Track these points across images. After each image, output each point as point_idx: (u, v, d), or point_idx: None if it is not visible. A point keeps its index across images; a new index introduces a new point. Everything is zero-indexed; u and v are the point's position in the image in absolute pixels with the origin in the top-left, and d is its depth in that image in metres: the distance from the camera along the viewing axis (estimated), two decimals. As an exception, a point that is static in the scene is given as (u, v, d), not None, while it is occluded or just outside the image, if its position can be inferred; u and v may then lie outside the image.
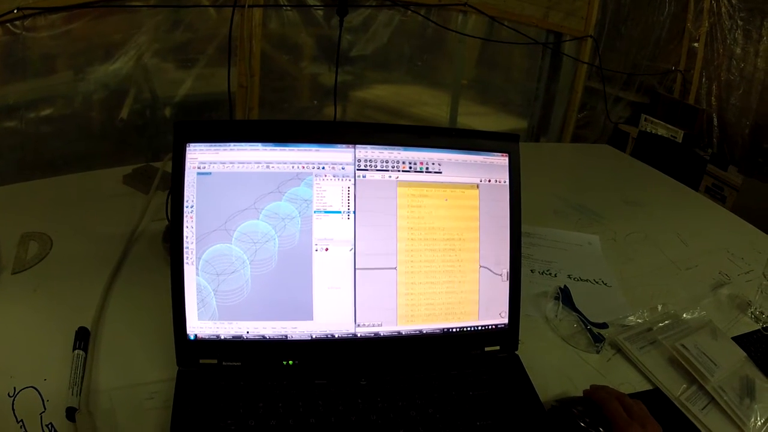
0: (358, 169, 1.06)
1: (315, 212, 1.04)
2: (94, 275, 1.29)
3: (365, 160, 1.06)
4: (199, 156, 1.01)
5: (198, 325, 1.02)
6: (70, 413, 0.93)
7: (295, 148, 1.04)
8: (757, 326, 1.46)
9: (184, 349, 1.03)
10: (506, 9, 3.44)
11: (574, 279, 1.54)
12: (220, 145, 1.02)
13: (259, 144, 1.03)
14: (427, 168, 1.09)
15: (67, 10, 2.33)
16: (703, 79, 4.60)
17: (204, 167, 1.01)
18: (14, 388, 0.98)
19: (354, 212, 1.06)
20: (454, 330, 1.13)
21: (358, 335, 1.08)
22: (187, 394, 0.98)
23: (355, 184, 1.06)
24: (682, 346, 1.25)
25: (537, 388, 1.11)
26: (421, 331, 1.11)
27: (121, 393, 1.01)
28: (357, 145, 1.06)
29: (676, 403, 1.16)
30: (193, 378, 1.01)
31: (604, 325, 1.34)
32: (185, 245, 1.00)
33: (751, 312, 1.50)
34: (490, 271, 1.14)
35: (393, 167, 1.07)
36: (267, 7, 2.80)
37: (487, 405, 1.04)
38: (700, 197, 2.49)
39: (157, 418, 0.96)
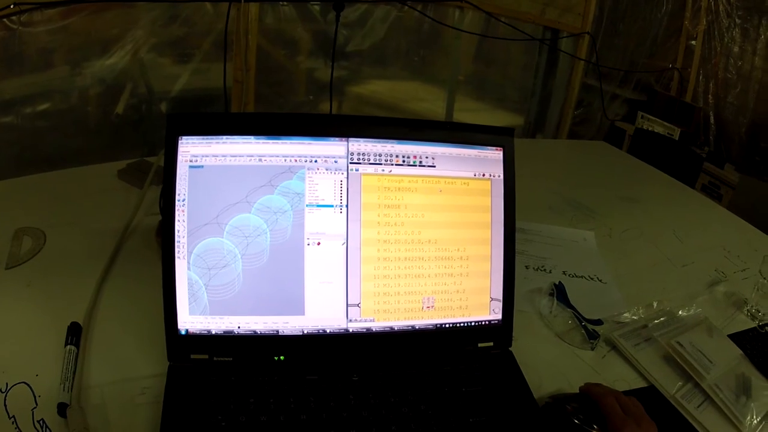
0: (351, 163, 1.05)
1: (307, 206, 1.04)
2: (87, 270, 1.29)
3: (358, 154, 1.06)
4: (191, 149, 1.00)
5: (189, 320, 1.02)
6: (62, 409, 0.93)
7: (288, 141, 1.03)
8: (753, 324, 1.46)
9: (175, 345, 1.02)
10: (503, 5, 3.44)
11: (568, 275, 1.54)
12: (212, 138, 1.01)
13: (252, 137, 1.02)
14: (420, 162, 1.08)
15: (64, 5, 2.33)
16: (700, 77, 4.61)
17: (196, 160, 1.00)
18: (6, 384, 0.98)
19: (347, 206, 1.05)
20: (447, 326, 1.12)
21: (350, 330, 1.07)
22: (178, 390, 0.97)
23: (348, 178, 1.05)
24: (678, 343, 1.24)
25: (531, 384, 1.10)
26: (413, 326, 1.10)
27: (112, 388, 1.01)
28: (350, 139, 1.05)
29: (671, 401, 1.16)
30: (184, 373, 1.00)
31: (598, 322, 1.33)
32: (177, 239, 1.00)
33: (747, 310, 1.50)
34: (483, 266, 1.13)
35: (386, 161, 1.07)
36: (263, 2, 2.79)
37: (480, 401, 1.04)
38: (697, 194, 2.50)
39: (149, 414, 0.96)
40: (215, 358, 1.03)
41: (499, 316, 1.15)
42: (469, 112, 3.86)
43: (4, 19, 2.22)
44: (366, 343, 1.08)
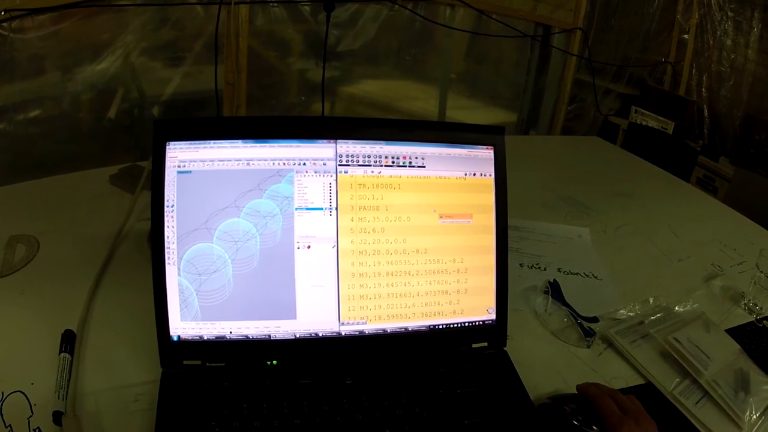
0: (339, 165, 1.05)
1: (296, 209, 1.03)
2: (80, 277, 1.29)
3: (347, 156, 1.05)
4: (179, 154, 1.00)
5: (181, 326, 1.01)
6: (57, 417, 0.93)
7: (276, 145, 1.03)
8: (751, 318, 1.45)
9: (168, 351, 1.02)
10: (494, 2, 3.44)
11: (563, 272, 1.53)
12: (200, 143, 1.01)
13: (240, 141, 1.01)
14: (410, 162, 1.08)
15: (55, 11, 2.33)
16: (694, 71, 4.63)
17: (184, 165, 1.00)
18: (2, 393, 0.98)
19: (336, 209, 1.04)
20: (441, 327, 1.11)
21: (343, 333, 1.07)
22: (171, 396, 0.97)
23: (336, 180, 1.05)
24: (675, 339, 1.24)
25: (526, 384, 1.10)
26: (406, 328, 1.09)
27: (107, 395, 1.01)
28: (338, 140, 1.05)
29: (669, 398, 1.15)
30: (177, 379, 1.00)
31: (594, 319, 1.33)
32: (166, 245, 0.99)
33: (745, 304, 1.50)
34: (477, 266, 1.13)
35: (375, 162, 1.06)
36: (254, 4, 2.79)
37: (475, 403, 1.03)
38: (692, 189, 2.49)
39: (143, 420, 0.96)
40: (208, 364, 1.03)
41: (493, 316, 1.14)
42: (462, 110, 3.87)
43: (-4, 27, 2.22)
44: (359, 346, 1.08)
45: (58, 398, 0.96)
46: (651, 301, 1.43)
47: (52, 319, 1.15)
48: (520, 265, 1.54)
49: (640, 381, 1.20)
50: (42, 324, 1.14)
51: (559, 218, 1.84)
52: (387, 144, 1.07)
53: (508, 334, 1.16)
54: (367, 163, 1.06)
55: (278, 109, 3.20)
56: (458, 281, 1.11)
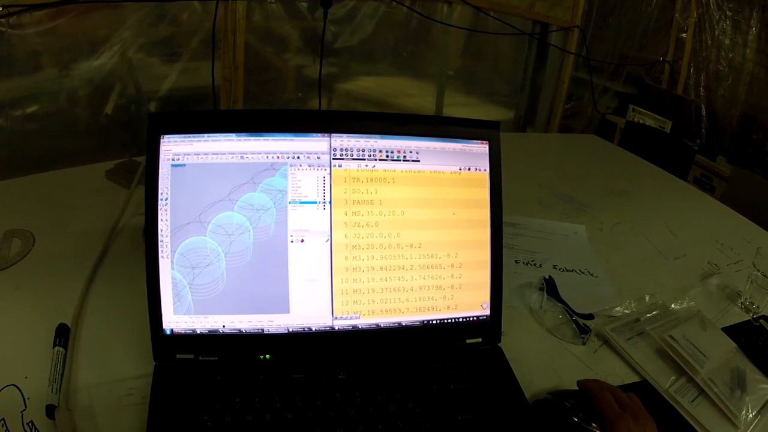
0: (333, 158, 1.05)
1: (290, 203, 1.03)
2: (75, 271, 1.29)
3: (341, 149, 1.05)
4: (173, 148, 1.00)
5: (174, 320, 1.01)
6: (50, 411, 0.93)
7: (270, 138, 1.03)
8: (748, 316, 1.46)
9: (161, 345, 1.02)
10: (491, -1, 3.45)
11: (559, 269, 1.54)
12: (194, 137, 1.01)
13: (234, 134, 1.02)
14: (404, 156, 1.08)
15: (52, 7, 2.32)
16: (691, 70, 4.62)
17: (178, 159, 1.00)
18: None
19: (330, 202, 1.05)
20: (435, 322, 1.12)
21: (336, 328, 1.07)
22: (164, 390, 0.97)
23: (330, 174, 1.05)
24: (671, 337, 1.25)
25: (521, 380, 1.10)
26: (400, 323, 1.10)
27: (100, 389, 1.01)
28: (332, 134, 1.05)
29: (664, 396, 1.16)
30: (170, 373, 1.00)
31: (590, 316, 1.34)
32: (160, 239, 1.00)
33: (741, 302, 1.51)
34: (471, 261, 1.13)
35: (369, 156, 1.06)
36: (251, 0, 2.79)
37: (468, 398, 1.04)
38: (689, 187, 2.50)
39: (136, 414, 0.96)
40: (201, 358, 1.03)
41: (488, 312, 1.14)
42: (459, 107, 3.86)
43: (-6, 22, 2.23)
44: (352, 340, 1.08)
45: (52, 392, 0.96)
46: (647, 298, 1.44)
47: (46, 313, 1.15)
48: (516, 261, 1.54)
49: (636, 379, 1.20)
50: (36, 318, 1.14)
51: (555, 215, 1.85)
52: (381, 138, 1.07)
53: (502, 330, 1.16)
54: (361, 157, 1.06)
55: (275, 105, 3.20)
56: (452, 276, 1.11)
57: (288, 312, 1.05)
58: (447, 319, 1.12)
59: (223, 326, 1.03)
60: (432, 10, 3.33)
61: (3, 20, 2.23)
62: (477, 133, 1.12)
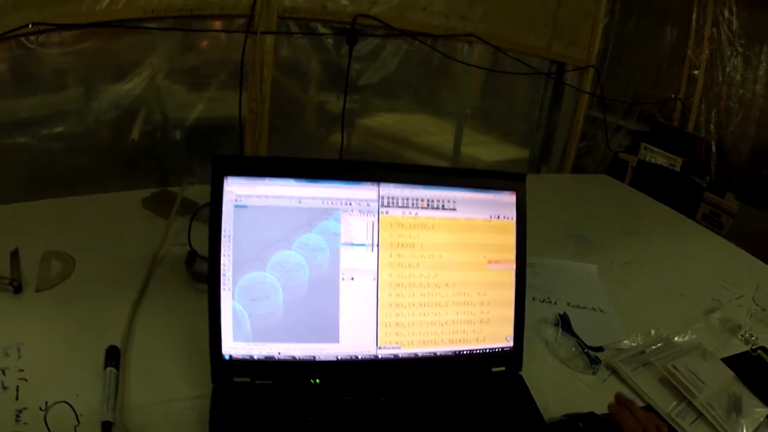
0: (381, 206, 1.15)
1: (342, 244, 1.13)
2: (118, 296, 1.34)
3: (388, 197, 1.16)
4: (235, 189, 1.09)
5: (233, 346, 1.10)
6: (107, 427, 0.98)
7: (325, 185, 1.13)
8: (747, 348, 1.54)
9: (219, 368, 1.09)
10: (510, 39, 3.47)
11: (572, 306, 1.62)
12: (255, 180, 1.10)
13: (292, 180, 1.11)
14: (443, 205, 1.18)
15: (80, 28, 2.36)
16: (703, 107, 4.63)
17: (240, 200, 1.09)
18: (46, 403, 1.03)
19: (377, 245, 1.15)
20: (465, 352, 1.22)
21: (379, 356, 1.17)
22: (223, 410, 1.05)
23: (378, 220, 1.15)
24: (673, 367, 1.33)
25: (539, 405, 1.19)
26: (435, 353, 1.20)
27: (153, 409, 1.07)
28: (381, 183, 1.15)
29: (666, 419, 1.24)
30: (228, 395, 1.08)
31: (600, 349, 1.42)
32: (222, 272, 1.08)
33: (741, 335, 1.58)
34: (498, 299, 1.24)
35: (413, 204, 1.17)
36: (279, 34, 2.82)
37: (494, 420, 1.14)
38: (696, 226, 2.56)
39: (193, 433, 1.03)
40: (256, 381, 1.11)
41: (511, 344, 1.25)
42: (477, 146, 3.88)
43: (22, 38, 2.25)
44: (393, 367, 1.18)
45: (106, 409, 1.01)
46: (652, 332, 1.52)
47: (92, 335, 1.20)
48: (533, 299, 1.62)
49: (641, 404, 1.28)
50: (84, 338, 1.20)
51: (569, 255, 1.91)
52: (424, 188, 1.17)
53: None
54: (405, 205, 1.16)
55: (298, 139, 3.21)
56: (481, 312, 1.22)
57: (338, 341, 1.14)
58: (476, 350, 1.22)
59: (279, 353, 1.12)
60: (453, 48, 3.36)
61: (32, 37, 2.27)
62: (506, 184, 1.23)
